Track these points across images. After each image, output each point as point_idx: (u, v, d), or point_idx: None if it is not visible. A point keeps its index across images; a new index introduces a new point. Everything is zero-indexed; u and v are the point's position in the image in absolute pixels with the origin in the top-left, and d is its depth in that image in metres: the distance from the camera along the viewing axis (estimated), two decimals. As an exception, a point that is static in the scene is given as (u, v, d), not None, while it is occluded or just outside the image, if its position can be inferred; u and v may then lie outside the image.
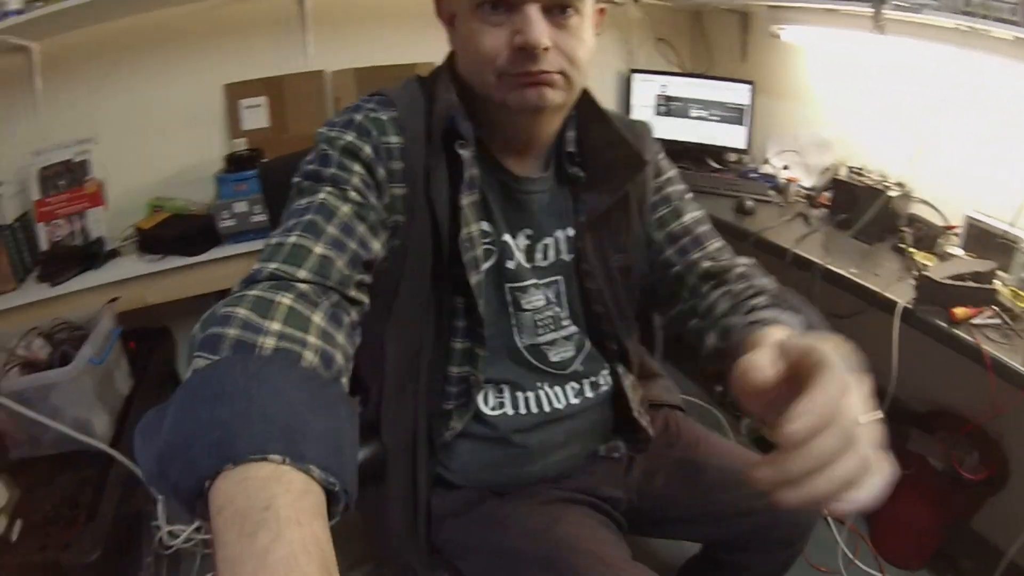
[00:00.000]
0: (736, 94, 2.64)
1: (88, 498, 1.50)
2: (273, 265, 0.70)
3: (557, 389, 1.09)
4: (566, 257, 1.06)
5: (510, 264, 1.02)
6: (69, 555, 1.34)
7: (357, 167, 0.86)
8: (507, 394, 1.06)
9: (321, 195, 0.81)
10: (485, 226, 0.99)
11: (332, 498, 0.52)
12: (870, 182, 2.00)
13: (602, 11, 0.96)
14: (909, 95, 2.05)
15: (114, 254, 2.15)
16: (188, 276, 2.12)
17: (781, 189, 2.36)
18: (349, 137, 0.87)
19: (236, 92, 2.36)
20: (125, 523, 1.55)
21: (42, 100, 2.09)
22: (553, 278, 1.06)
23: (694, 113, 2.73)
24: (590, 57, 0.90)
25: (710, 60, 2.95)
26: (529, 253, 1.04)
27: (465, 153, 0.92)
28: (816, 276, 1.80)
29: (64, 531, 1.40)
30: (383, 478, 1.04)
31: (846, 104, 2.32)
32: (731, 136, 2.68)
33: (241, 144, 2.29)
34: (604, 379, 1.13)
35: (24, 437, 1.53)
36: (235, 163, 2.19)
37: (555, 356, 1.07)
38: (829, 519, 1.89)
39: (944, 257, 1.80)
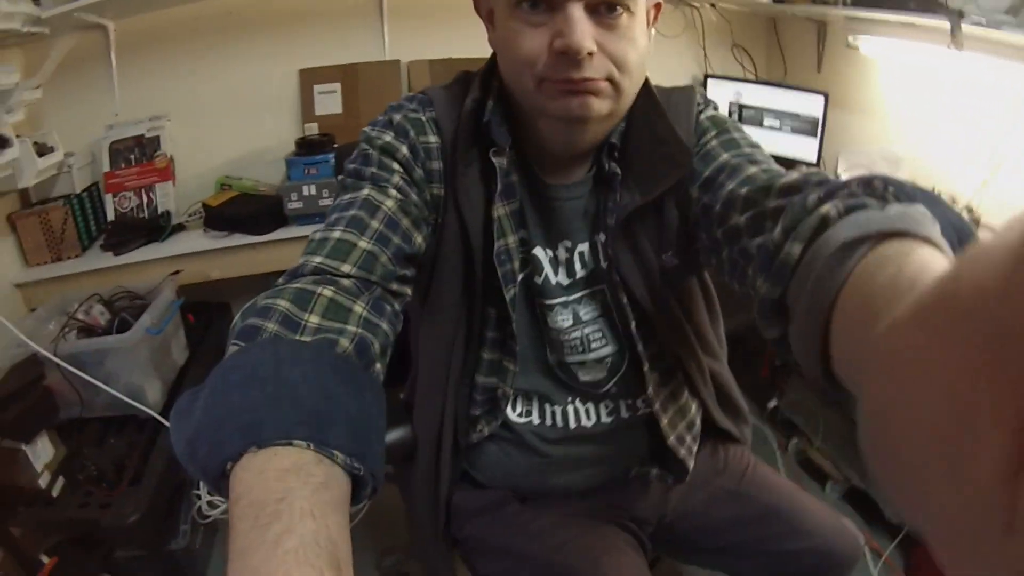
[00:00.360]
0: (810, 105, 2.54)
1: (134, 462, 1.55)
2: (317, 259, 0.71)
3: (589, 406, 1.03)
4: (604, 264, 0.95)
5: (538, 279, 0.96)
6: (108, 515, 1.39)
7: (396, 166, 0.85)
8: (535, 404, 1.03)
9: (365, 191, 0.81)
10: (522, 234, 0.94)
11: (359, 482, 0.53)
12: (940, 205, 1.91)
13: (658, 6, 0.86)
14: (984, 115, 1.93)
15: (180, 228, 2.22)
16: (252, 254, 2.16)
17: (849, 206, 2.26)
18: (387, 137, 0.86)
19: (311, 77, 2.41)
20: (167, 490, 1.59)
21: (117, 77, 2.17)
22: (597, 287, 0.97)
23: (767, 123, 2.65)
24: (643, 60, 0.81)
25: (784, 69, 2.87)
26: (569, 267, 0.96)
27: (499, 161, 0.87)
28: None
29: (106, 492, 1.45)
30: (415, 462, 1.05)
31: (920, 121, 2.21)
32: (803, 148, 2.58)
33: (313, 129, 2.34)
34: (642, 402, 1.04)
35: (76, 398, 1.58)
36: (306, 147, 2.22)
37: (585, 376, 1.01)
38: (866, 551, 1.82)
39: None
